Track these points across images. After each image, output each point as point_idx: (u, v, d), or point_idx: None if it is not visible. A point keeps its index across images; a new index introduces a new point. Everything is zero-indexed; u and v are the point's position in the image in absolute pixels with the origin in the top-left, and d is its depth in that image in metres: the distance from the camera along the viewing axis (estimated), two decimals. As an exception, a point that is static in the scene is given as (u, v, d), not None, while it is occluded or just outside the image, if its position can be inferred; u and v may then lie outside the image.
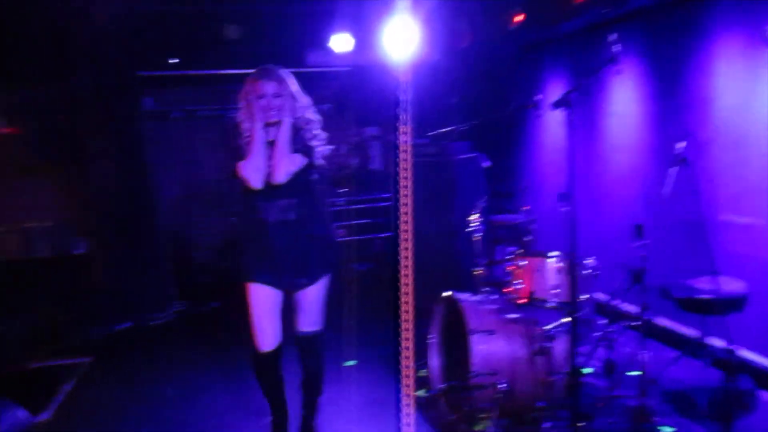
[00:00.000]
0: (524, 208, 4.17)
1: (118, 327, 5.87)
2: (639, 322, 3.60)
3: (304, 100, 3.25)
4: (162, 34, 6.03)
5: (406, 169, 2.74)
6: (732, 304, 3.63)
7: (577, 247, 3.18)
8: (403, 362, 2.80)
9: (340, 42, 6.00)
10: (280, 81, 3.16)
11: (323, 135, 3.30)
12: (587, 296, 3.65)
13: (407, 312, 2.76)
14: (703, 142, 4.39)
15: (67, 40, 5.45)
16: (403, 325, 2.77)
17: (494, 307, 3.82)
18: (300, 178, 3.21)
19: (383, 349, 4.78)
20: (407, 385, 2.82)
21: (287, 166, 3.14)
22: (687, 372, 4.16)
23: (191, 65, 6.77)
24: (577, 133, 3.08)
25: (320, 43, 6.19)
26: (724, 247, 4.25)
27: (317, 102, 3.38)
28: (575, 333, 3.26)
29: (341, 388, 4.21)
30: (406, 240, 2.74)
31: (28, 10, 5.05)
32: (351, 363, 4.71)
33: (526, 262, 3.73)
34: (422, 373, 4.07)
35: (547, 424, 3.43)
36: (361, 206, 7.29)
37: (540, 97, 5.37)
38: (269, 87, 3.13)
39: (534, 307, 3.69)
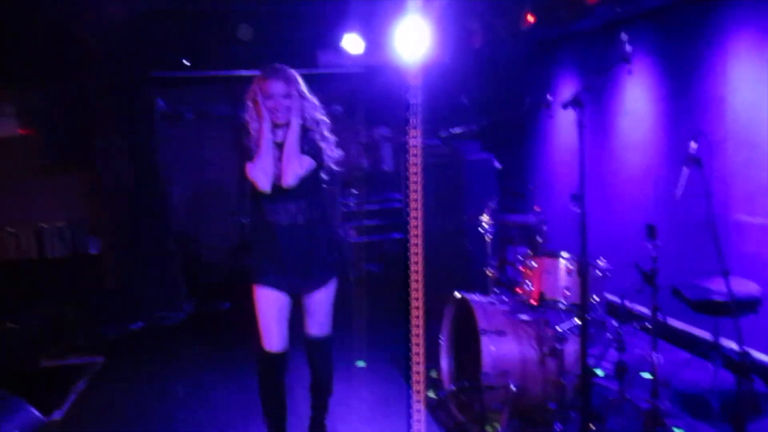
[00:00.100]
0: (535, 208, 4.16)
1: (131, 326, 5.91)
2: (651, 324, 3.57)
3: (313, 100, 3.17)
4: (174, 35, 6.07)
5: (416, 173, 2.74)
6: (746, 305, 3.59)
7: (589, 247, 3.17)
8: (414, 363, 2.80)
9: (352, 43, 6.01)
10: (289, 81, 3.07)
11: (332, 136, 3.23)
12: (598, 297, 3.63)
13: (418, 312, 2.76)
14: (715, 141, 4.35)
15: (82, 41, 5.50)
16: (414, 326, 2.77)
17: (505, 307, 3.81)
18: (309, 180, 3.13)
19: (394, 349, 4.79)
20: (417, 386, 2.83)
21: (296, 168, 3.06)
22: (699, 374, 4.13)
23: (203, 66, 6.80)
24: (588, 132, 3.06)
25: (332, 43, 6.20)
26: (737, 247, 4.22)
27: (329, 103, 3.33)
28: (586, 334, 3.23)
29: (352, 388, 4.22)
30: (416, 242, 2.74)
31: (41, 13, 5.09)
32: (361, 364, 4.71)
33: (537, 263, 3.71)
34: (432, 373, 4.08)
35: (558, 426, 3.41)
36: (372, 207, 7.27)
37: (551, 96, 5.35)
38: (278, 87, 3.05)
39: (545, 308, 3.67)
